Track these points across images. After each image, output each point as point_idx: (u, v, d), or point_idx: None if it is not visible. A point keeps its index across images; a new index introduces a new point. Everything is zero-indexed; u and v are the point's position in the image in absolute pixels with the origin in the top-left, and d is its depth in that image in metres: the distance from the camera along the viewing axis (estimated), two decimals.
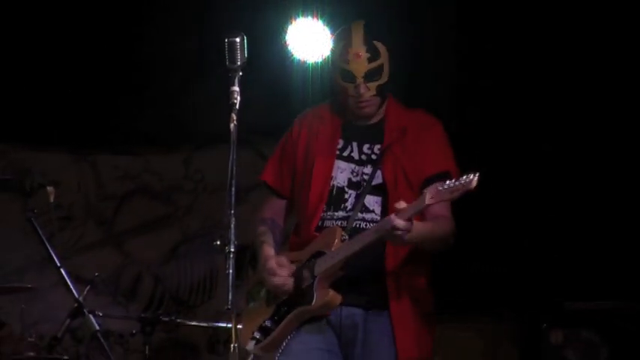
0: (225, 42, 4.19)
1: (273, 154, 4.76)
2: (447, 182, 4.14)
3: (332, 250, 4.38)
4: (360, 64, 4.48)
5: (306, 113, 4.75)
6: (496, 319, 7.17)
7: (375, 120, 4.61)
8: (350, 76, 4.51)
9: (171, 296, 7.40)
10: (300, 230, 4.58)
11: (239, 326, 4.47)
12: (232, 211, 4.06)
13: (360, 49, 4.49)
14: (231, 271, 4.01)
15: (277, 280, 4.45)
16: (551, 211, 7.01)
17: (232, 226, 4.05)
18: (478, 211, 6.81)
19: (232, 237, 4.04)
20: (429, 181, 4.42)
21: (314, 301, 4.39)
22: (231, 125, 4.15)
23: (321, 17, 6.59)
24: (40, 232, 5.96)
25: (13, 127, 7.20)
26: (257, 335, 4.49)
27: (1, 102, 7.11)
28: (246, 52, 4.20)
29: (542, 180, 7.04)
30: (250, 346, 4.45)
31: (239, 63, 4.18)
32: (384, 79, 4.53)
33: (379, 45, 4.52)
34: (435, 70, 7.10)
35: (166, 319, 6.27)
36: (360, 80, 4.49)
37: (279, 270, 4.46)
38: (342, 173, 4.55)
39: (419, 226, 4.28)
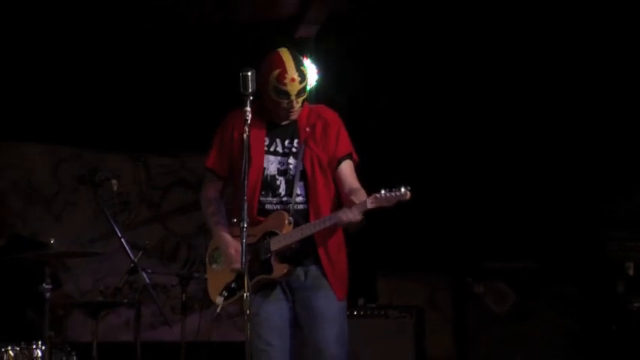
0: (240, 75, 4.21)
1: (212, 144, 4.56)
2: (383, 191, 4.13)
3: (283, 232, 4.30)
4: (295, 86, 4.32)
5: (236, 112, 4.47)
6: (436, 275, 7.18)
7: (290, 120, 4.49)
8: (285, 94, 4.34)
9: (201, 259, 7.38)
10: (241, 211, 4.20)
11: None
12: (245, 198, 4.09)
13: (294, 75, 4.33)
14: (244, 240, 4.02)
15: (236, 265, 4.28)
16: (474, 196, 7.03)
17: (245, 208, 4.08)
18: (422, 198, 6.86)
19: (245, 216, 4.07)
20: (340, 161, 4.40)
21: (273, 272, 4.32)
22: (245, 135, 4.17)
23: (310, 57, 6.60)
24: (107, 213, 5.97)
25: (86, 136, 7.25)
26: (225, 293, 4.38)
27: (78, 118, 7.15)
28: (255, 82, 4.22)
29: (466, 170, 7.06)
30: (219, 300, 4.35)
31: (250, 90, 4.16)
32: (306, 94, 4.42)
33: (304, 69, 4.38)
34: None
35: (197, 275, 6.26)
36: (293, 97, 4.35)
37: (237, 256, 4.28)
38: (272, 165, 4.42)
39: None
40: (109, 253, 6.51)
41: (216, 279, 4.44)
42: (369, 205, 4.15)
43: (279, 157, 4.44)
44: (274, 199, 4.41)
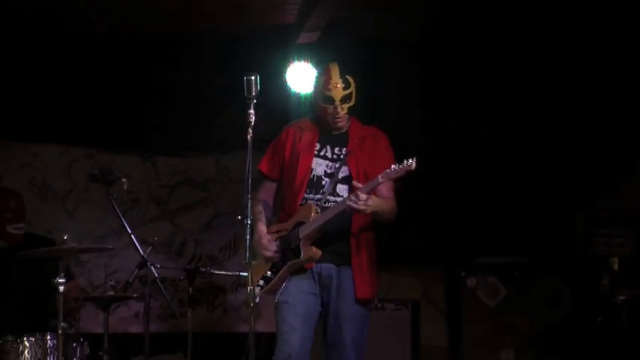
0: (244, 79, 4.23)
1: (267, 151, 4.72)
2: (393, 166, 4.27)
3: (310, 220, 4.43)
4: (338, 92, 4.50)
5: (292, 124, 4.76)
6: (431, 269, 7.17)
7: (342, 131, 4.64)
8: (330, 100, 4.53)
9: (207, 254, 7.38)
10: (287, 207, 4.60)
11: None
12: (249, 196, 4.12)
13: (338, 81, 4.51)
14: (248, 237, 4.08)
15: (267, 253, 4.53)
16: (468, 195, 7.01)
17: (249, 205, 4.10)
18: (419, 198, 6.86)
19: (249, 213, 4.10)
20: None
21: (302, 255, 4.44)
22: (248, 137, 4.20)
23: (311, 61, 6.61)
24: (118, 210, 5.97)
25: (98, 136, 7.24)
26: (261, 283, 4.56)
27: (90, 120, 7.14)
28: (258, 86, 4.23)
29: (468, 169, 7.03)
30: (256, 290, 4.48)
31: (254, 94, 4.22)
32: (352, 102, 4.58)
33: (349, 78, 4.55)
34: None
35: (204, 269, 6.26)
36: (337, 103, 4.52)
37: (269, 246, 4.52)
38: (320, 167, 4.56)
39: (375, 200, 4.37)
40: (120, 249, 6.50)
41: (255, 273, 4.52)
42: (381, 180, 4.27)
43: (327, 162, 4.56)
44: (317, 197, 4.51)
